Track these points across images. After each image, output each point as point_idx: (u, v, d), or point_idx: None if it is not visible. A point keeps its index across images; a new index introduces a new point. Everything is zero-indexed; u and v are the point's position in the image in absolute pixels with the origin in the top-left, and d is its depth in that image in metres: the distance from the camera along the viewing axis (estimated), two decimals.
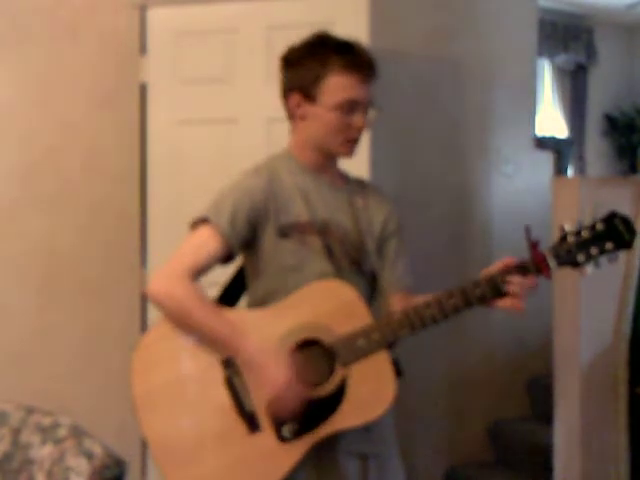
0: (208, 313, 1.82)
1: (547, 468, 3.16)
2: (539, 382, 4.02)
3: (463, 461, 3.92)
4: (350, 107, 1.88)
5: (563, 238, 1.83)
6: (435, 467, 3.84)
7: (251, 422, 1.81)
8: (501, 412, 4.05)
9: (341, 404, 1.80)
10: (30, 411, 2.19)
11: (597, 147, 6.96)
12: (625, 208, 3.03)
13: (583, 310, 2.98)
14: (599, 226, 1.81)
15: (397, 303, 1.97)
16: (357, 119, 1.90)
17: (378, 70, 1.94)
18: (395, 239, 2.01)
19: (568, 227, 1.83)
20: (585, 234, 1.81)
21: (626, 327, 3.05)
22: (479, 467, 3.93)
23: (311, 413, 1.80)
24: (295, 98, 1.92)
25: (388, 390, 1.82)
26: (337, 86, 1.87)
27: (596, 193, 3.02)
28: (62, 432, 2.07)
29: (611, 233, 1.81)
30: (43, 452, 2.04)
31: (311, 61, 1.89)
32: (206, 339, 1.83)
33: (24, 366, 3.27)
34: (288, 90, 1.94)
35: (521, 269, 1.82)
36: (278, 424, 1.80)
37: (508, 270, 1.82)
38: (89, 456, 1.95)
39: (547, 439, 3.21)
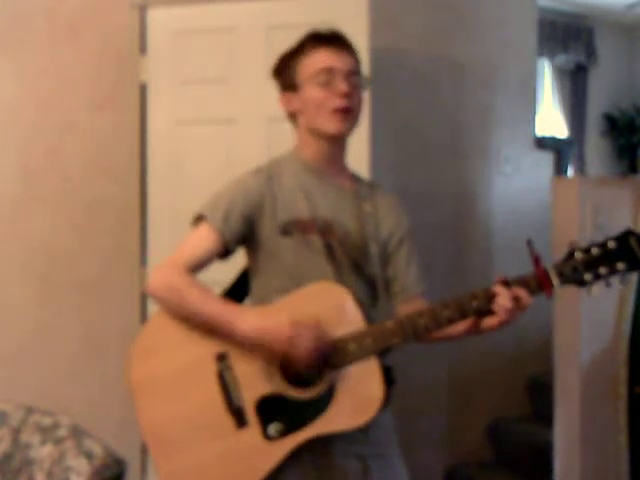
0: (203, 296, 1.84)
1: (547, 468, 3.15)
2: (539, 382, 4.02)
3: (463, 461, 3.92)
4: (327, 77, 1.89)
5: (570, 255, 1.71)
6: (435, 467, 3.84)
7: (238, 418, 1.82)
8: (501, 412, 4.05)
9: (328, 407, 1.79)
10: (30, 411, 2.19)
11: (597, 147, 6.95)
12: (625, 208, 3.06)
13: (583, 310, 2.98)
14: (611, 244, 1.69)
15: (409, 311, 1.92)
16: (337, 85, 1.89)
17: (352, 45, 1.96)
18: (405, 247, 2.00)
19: (578, 243, 1.72)
20: (595, 252, 1.69)
21: (626, 327, 3.05)
22: (479, 467, 3.93)
23: (298, 414, 1.80)
24: (284, 97, 1.98)
25: (375, 399, 1.80)
26: (311, 62, 1.91)
27: (596, 193, 3.02)
28: (62, 432, 2.07)
29: (624, 252, 1.68)
30: (43, 452, 2.04)
31: (288, 59, 1.96)
32: (203, 321, 1.83)
33: (24, 366, 3.27)
34: (280, 94, 1.99)
35: (521, 284, 1.74)
36: (265, 421, 1.80)
37: (506, 283, 1.75)
38: (89, 456, 1.95)
39: (547, 439, 3.21)
